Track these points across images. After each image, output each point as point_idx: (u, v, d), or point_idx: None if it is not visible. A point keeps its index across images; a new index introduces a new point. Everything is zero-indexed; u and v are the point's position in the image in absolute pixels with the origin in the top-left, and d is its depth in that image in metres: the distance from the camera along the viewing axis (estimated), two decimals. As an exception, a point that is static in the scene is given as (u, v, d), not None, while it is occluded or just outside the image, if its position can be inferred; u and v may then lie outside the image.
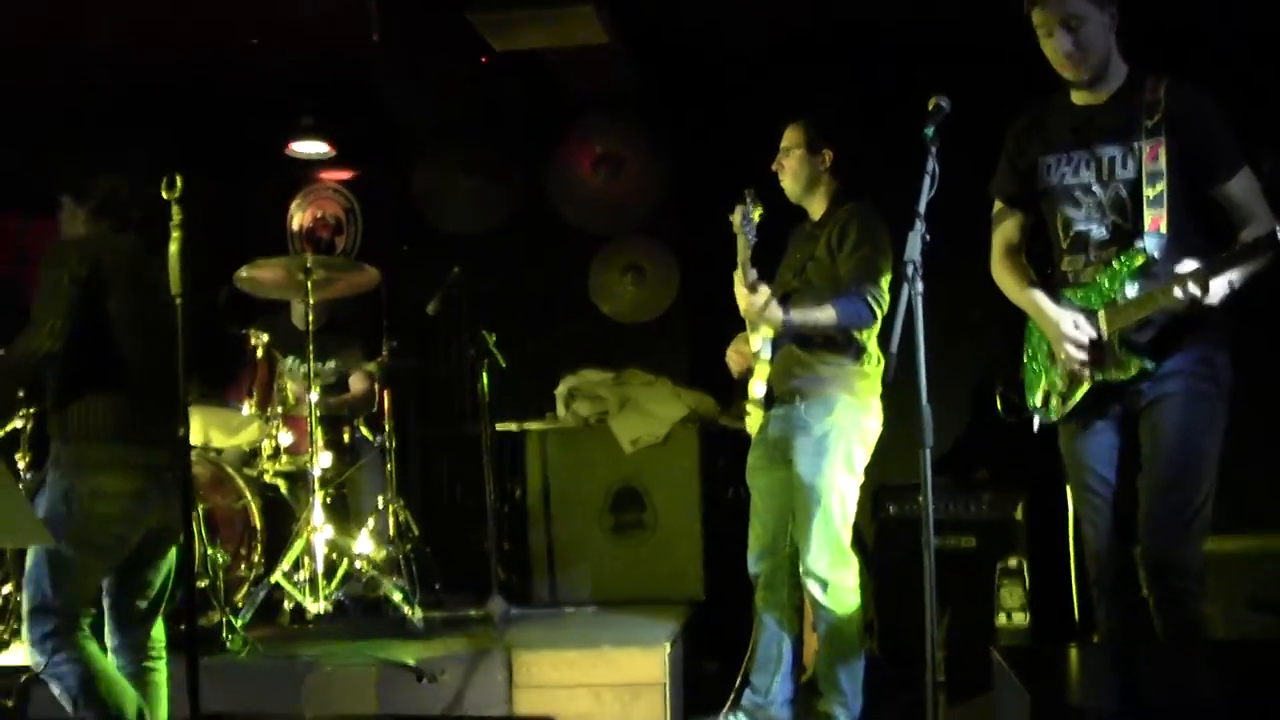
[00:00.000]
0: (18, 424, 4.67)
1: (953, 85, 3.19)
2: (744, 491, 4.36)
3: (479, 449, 5.22)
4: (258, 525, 4.91)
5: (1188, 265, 3.08)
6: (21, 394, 4.44)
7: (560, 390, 5.74)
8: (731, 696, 4.30)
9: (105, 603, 3.55)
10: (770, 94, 5.60)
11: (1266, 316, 3.77)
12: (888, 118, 4.23)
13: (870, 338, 4.12)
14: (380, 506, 5.22)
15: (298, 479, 5.09)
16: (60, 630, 3.37)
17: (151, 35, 5.49)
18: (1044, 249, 3.52)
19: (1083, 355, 3.28)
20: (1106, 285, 3.29)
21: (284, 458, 4.99)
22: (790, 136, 4.26)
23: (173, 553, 3.58)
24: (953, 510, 5.01)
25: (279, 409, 4.88)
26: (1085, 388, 3.33)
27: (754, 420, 4.25)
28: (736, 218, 4.13)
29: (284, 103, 6.24)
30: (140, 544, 3.49)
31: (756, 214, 4.12)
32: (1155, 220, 3.19)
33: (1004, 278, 3.56)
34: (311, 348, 4.86)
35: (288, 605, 4.83)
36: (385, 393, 5.44)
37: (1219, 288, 3.10)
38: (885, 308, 3.99)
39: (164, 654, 3.66)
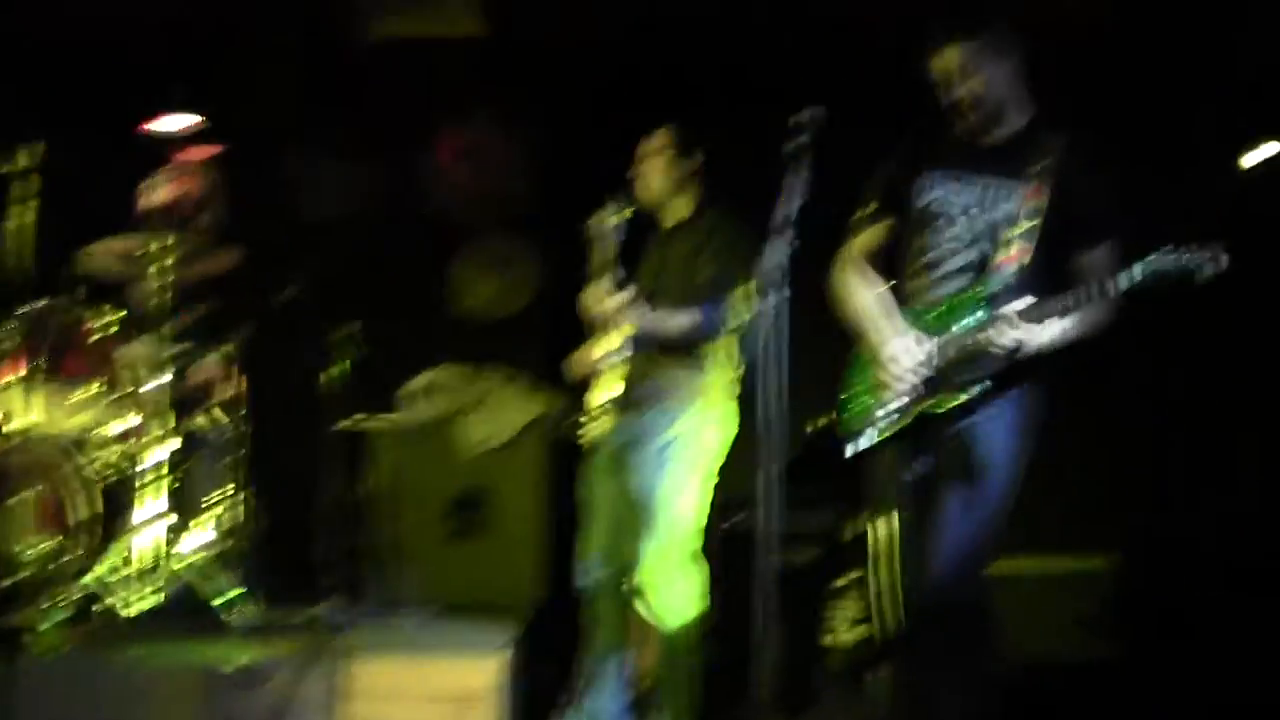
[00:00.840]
0: None
1: (829, 93, 3.13)
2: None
3: (325, 444, 5.09)
4: (82, 517, 4.68)
5: (1019, 304, 3.11)
6: None
7: (419, 384, 5.62)
8: (565, 709, 4.25)
9: None
10: (638, 93, 5.57)
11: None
12: (758, 124, 4.21)
13: (722, 346, 4.10)
14: (216, 500, 5.02)
15: (133, 467, 4.88)
16: None
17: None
18: (887, 264, 3.49)
19: (911, 379, 3.27)
20: (946, 311, 3.29)
21: (119, 444, 4.74)
22: (661, 138, 4.23)
23: None
24: (795, 524, 5.00)
25: (126, 391, 4.67)
26: (906, 414, 3.30)
27: (597, 427, 4.20)
28: (605, 218, 4.09)
29: (148, 74, 5.97)
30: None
31: (627, 214, 4.11)
32: (1019, 252, 3.21)
33: (850, 279, 3.50)
34: (163, 329, 4.68)
35: (108, 604, 4.62)
36: (238, 380, 5.24)
37: (1045, 333, 3.13)
38: (739, 318, 3.98)
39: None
